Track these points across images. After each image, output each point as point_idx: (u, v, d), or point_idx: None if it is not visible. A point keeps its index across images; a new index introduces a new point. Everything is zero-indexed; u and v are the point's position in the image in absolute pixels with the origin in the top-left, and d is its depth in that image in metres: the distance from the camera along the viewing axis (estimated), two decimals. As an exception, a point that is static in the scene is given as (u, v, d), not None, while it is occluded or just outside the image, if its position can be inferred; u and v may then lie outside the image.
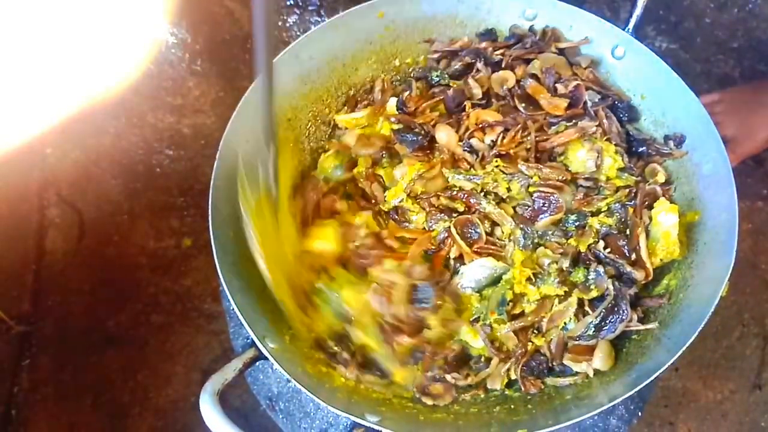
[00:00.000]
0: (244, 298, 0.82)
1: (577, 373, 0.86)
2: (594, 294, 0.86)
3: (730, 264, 0.80)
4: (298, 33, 1.56)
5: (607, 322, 0.85)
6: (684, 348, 0.76)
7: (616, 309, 0.85)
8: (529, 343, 0.87)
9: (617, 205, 0.91)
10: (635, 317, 0.86)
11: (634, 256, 0.88)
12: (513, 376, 0.87)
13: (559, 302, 0.87)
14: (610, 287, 0.85)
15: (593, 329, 0.86)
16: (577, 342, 0.86)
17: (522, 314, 0.88)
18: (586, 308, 0.87)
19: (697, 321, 0.78)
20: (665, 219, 0.89)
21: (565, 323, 0.86)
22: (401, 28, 1.03)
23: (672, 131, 0.97)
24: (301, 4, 1.58)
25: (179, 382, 1.38)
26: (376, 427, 0.76)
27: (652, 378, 0.76)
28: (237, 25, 1.58)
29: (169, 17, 1.54)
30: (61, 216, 1.47)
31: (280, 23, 1.57)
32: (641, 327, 0.86)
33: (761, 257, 1.47)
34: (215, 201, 0.85)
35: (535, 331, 0.88)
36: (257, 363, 0.80)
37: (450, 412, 0.85)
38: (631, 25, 0.99)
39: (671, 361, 0.76)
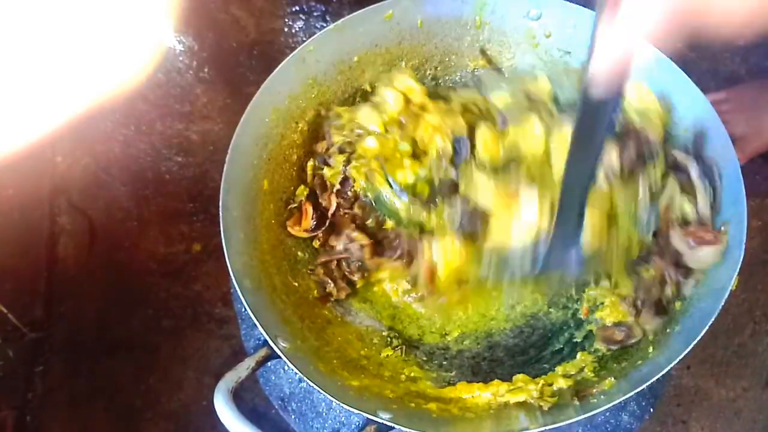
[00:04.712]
0: (256, 299, 0.83)
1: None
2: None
3: (739, 259, 0.81)
4: (304, 39, 1.56)
5: (713, 181, 0.87)
6: (696, 340, 0.77)
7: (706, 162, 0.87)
8: None
9: None
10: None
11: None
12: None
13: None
14: (686, 160, 0.88)
15: (712, 197, 0.86)
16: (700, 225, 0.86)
17: None
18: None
19: (707, 315, 0.78)
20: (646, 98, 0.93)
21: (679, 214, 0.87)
22: (406, 30, 1.04)
23: (679, 131, 0.97)
24: (306, 9, 1.60)
25: (191, 387, 1.39)
26: (389, 424, 0.76)
27: (660, 374, 0.76)
28: (243, 33, 1.59)
29: (176, 25, 1.55)
30: (72, 223, 1.48)
31: (286, 29, 1.58)
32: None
33: (771, 254, 1.47)
34: (225, 203, 0.86)
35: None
36: (269, 363, 0.81)
37: (472, 410, 0.85)
38: (635, 24, 0.99)
39: (682, 355, 0.76)
